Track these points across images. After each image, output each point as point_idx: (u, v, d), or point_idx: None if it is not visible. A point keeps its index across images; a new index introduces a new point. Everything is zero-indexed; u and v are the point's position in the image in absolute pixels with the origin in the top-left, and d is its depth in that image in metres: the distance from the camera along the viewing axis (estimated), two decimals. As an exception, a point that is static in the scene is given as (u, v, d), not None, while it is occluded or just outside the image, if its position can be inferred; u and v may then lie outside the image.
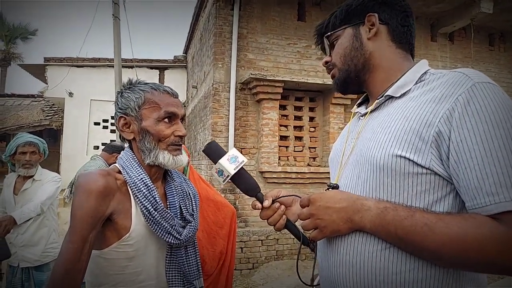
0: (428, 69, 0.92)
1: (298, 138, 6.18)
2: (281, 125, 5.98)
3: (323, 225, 0.85)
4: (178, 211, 1.22)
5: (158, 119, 1.15)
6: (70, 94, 11.18)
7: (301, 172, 5.83)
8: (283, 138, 6.05)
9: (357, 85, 1.03)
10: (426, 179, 0.78)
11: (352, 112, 1.12)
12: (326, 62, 1.06)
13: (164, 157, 1.15)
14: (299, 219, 0.93)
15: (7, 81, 21.20)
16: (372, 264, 0.82)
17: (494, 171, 0.69)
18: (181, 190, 1.29)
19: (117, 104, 1.21)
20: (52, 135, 12.90)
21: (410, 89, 0.89)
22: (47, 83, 11.44)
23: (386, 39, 0.97)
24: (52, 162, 11.04)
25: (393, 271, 0.80)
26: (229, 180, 1.05)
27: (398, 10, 0.98)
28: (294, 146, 6.11)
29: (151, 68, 11.54)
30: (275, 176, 5.74)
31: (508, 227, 0.67)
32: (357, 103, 1.11)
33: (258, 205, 1.04)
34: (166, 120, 1.16)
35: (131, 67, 9.84)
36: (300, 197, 0.95)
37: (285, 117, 6.09)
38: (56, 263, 1.00)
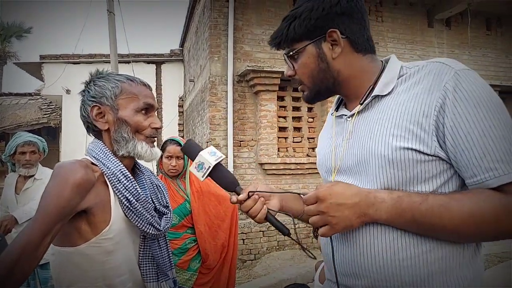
0: (401, 64, 0.95)
1: (297, 129, 6.18)
2: (279, 117, 5.97)
3: (334, 222, 0.83)
4: (151, 204, 1.22)
5: (136, 110, 1.15)
6: (67, 92, 11.12)
7: (300, 163, 5.85)
8: (281, 129, 6.04)
9: (328, 96, 1.04)
10: (433, 165, 0.83)
11: (332, 116, 1.11)
12: (290, 75, 1.04)
13: (142, 148, 1.15)
14: (307, 215, 0.89)
15: (4, 80, 21.08)
16: (391, 251, 0.85)
17: (490, 149, 0.76)
18: (151, 183, 1.29)
19: (88, 92, 1.17)
20: (51, 133, 12.86)
21: (395, 85, 0.91)
22: (43, 81, 11.37)
23: (351, 52, 0.95)
24: (52, 160, 11.00)
25: (412, 255, 0.84)
26: (208, 176, 1.04)
27: (357, 18, 0.94)
28: (293, 137, 6.11)
29: (148, 63, 11.47)
30: (274, 168, 5.75)
31: None
32: (333, 107, 1.12)
33: (233, 198, 1.05)
34: (143, 111, 1.16)
35: (128, 62, 9.78)
36: (302, 195, 0.94)
37: (283, 108, 6.08)
38: (13, 247, 0.93)
